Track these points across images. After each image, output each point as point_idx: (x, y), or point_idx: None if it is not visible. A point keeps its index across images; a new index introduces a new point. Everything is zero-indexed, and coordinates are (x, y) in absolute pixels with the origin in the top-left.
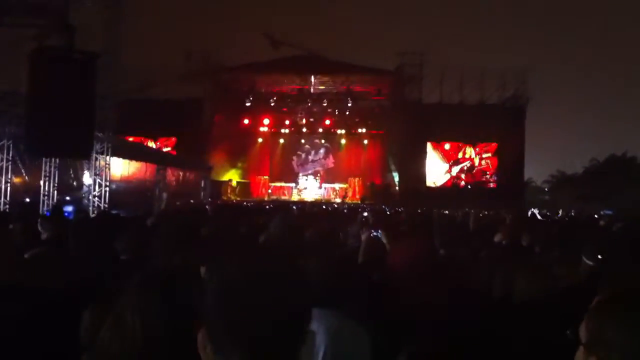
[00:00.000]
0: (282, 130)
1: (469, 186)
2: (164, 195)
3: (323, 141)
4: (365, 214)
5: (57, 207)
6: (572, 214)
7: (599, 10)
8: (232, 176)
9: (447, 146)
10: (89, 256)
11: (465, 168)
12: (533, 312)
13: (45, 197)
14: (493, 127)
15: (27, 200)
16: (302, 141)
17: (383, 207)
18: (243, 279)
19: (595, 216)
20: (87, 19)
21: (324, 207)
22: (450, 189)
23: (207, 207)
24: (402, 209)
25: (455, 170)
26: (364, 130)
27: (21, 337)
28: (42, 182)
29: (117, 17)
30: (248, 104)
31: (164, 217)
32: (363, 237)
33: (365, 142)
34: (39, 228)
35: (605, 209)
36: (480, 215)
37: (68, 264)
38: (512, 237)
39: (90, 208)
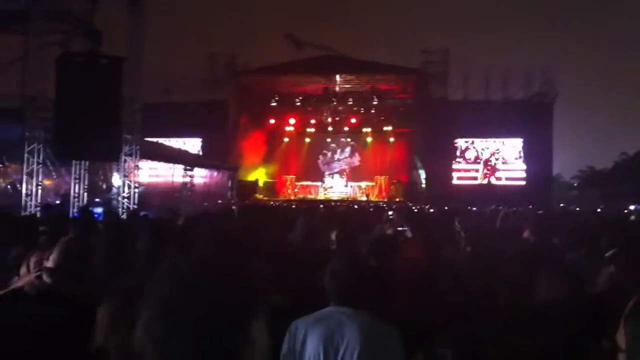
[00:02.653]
0: (308, 130)
1: (497, 183)
2: (189, 196)
3: (349, 140)
4: (391, 213)
5: (86, 209)
6: (600, 209)
7: (630, 4)
8: (259, 176)
9: (485, 143)
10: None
11: (493, 165)
12: (556, 316)
13: (75, 199)
14: (520, 123)
15: (58, 202)
16: (328, 140)
17: (409, 204)
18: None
19: (625, 211)
20: (112, 24)
21: (350, 205)
22: (477, 187)
23: (233, 207)
24: (430, 206)
25: (483, 167)
26: (389, 128)
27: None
28: (72, 185)
29: (141, 21)
30: (273, 104)
31: (192, 222)
32: (389, 232)
33: (391, 140)
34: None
35: (636, 204)
36: (509, 211)
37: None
38: (539, 235)
39: (120, 210)
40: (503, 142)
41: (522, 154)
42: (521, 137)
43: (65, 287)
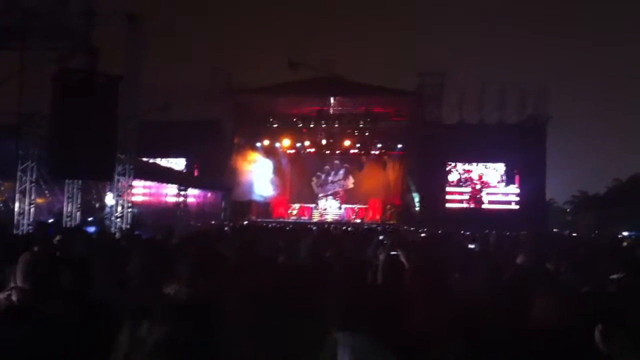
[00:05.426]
0: (302, 151)
1: (491, 207)
2: (182, 216)
3: (342, 162)
4: (382, 237)
5: (80, 229)
6: (594, 234)
7: (623, 28)
8: (253, 196)
9: (467, 166)
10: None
11: (486, 189)
12: (551, 340)
13: (68, 218)
14: (513, 146)
15: (50, 221)
16: (322, 162)
17: (404, 227)
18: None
19: (620, 236)
20: (110, 41)
21: (343, 228)
22: (471, 210)
23: (225, 228)
24: (423, 229)
25: (476, 191)
26: (383, 150)
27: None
28: (64, 203)
29: (139, 39)
30: (268, 125)
31: (185, 242)
32: (381, 257)
33: (385, 162)
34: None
35: (628, 230)
36: (501, 236)
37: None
38: (533, 259)
39: (113, 229)
40: (494, 167)
41: (512, 178)
42: (514, 161)
43: (30, 305)
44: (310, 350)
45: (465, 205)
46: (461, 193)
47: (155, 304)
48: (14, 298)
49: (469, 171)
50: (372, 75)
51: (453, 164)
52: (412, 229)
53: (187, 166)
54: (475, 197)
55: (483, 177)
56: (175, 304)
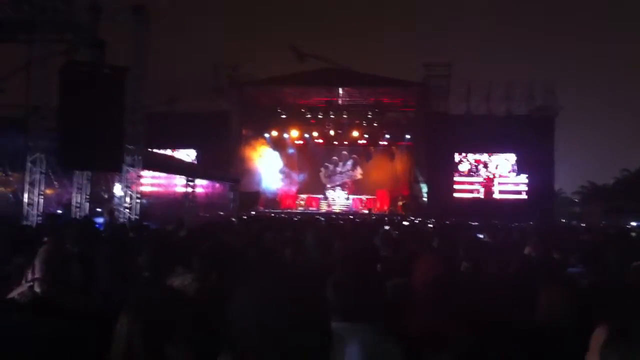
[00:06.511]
0: (310, 142)
1: (499, 198)
2: (191, 206)
3: (351, 153)
4: (387, 227)
5: (89, 220)
6: (601, 225)
7: (631, 18)
8: (261, 187)
9: (475, 157)
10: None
11: (494, 179)
12: (558, 332)
13: (77, 209)
14: (521, 137)
15: (59, 211)
16: (330, 153)
17: (411, 218)
18: (273, 302)
19: (627, 227)
20: (116, 34)
21: (351, 217)
22: (479, 201)
23: (233, 219)
24: (431, 220)
25: (489, 180)
26: (391, 141)
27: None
28: (74, 194)
29: (145, 32)
30: (276, 116)
31: (195, 233)
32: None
33: (393, 153)
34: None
35: (636, 220)
36: (510, 227)
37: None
38: (541, 250)
39: (121, 220)
40: (506, 157)
41: (523, 169)
42: (522, 152)
43: (54, 297)
44: (320, 344)
45: (474, 195)
46: (471, 183)
47: (153, 298)
48: (37, 290)
49: (478, 161)
50: (380, 66)
51: (464, 154)
52: (419, 219)
53: (197, 157)
54: (488, 186)
55: (502, 167)
56: (173, 299)
